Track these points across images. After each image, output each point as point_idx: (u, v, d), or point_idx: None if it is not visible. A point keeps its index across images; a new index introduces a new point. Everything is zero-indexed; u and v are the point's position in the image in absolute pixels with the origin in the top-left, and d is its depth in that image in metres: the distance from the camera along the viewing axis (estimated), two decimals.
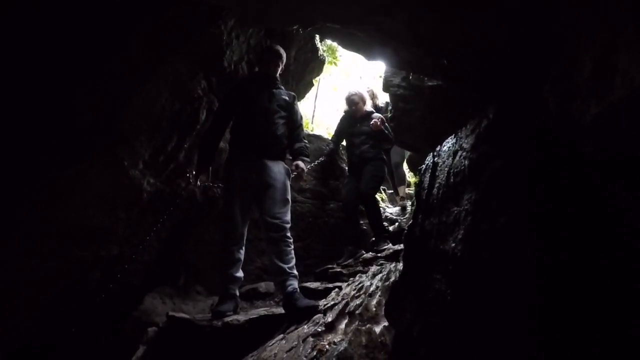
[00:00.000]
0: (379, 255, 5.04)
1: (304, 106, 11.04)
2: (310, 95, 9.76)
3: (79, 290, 4.38)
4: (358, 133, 6.10)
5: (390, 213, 7.60)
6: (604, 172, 1.34)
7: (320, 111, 14.89)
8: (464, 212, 1.77)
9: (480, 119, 1.96)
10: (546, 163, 1.54)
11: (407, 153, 7.99)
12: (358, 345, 2.47)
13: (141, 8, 3.66)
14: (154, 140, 4.34)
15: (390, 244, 5.39)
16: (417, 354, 1.78)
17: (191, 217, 5.66)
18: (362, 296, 3.10)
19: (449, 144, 2.21)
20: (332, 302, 3.45)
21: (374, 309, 2.80)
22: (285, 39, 5.89)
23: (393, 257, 4.47)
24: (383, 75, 5.97)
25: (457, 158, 2.01)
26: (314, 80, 8.38)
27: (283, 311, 3.86)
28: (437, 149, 2.31)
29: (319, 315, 3.29)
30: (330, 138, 7.45)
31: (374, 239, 5.79)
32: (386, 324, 2.51)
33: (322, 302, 3.66)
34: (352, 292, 3.37)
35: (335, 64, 10.05)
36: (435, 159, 2.27)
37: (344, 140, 6.61)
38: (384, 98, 7.51)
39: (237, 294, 4.24)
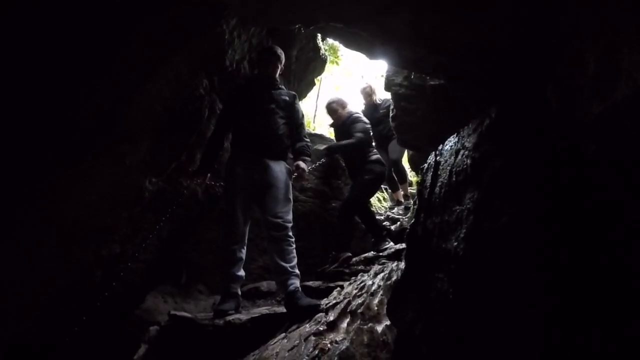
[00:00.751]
0: (381, 254, 5.04)
1: (306, 105, 11.05)
2: (312, 94, 9.77)
3: (80, 289, 4.38)
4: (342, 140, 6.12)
5: (392, 212, 7.59)
6: (606, 172, 1.34)
7: (322, 110, 14.90)
8: (466, 211, 1.77)
9: (482, 118, 1.96)
10: (548, 162, 1.54)
11: (405, 150, 7.97)
12: (360, 344, 2.47)
13: (141, 7, 3.66)
14: (156, 139, 4.35)
15: (392, 243, 5.38)
16: (419, 352, 1.78)
17: (193, 216, 5.66)
18: (364, 295, 3.10)
19: (451, 142, 2.21)
20: (334, 301, 3.45)
21: (376, 308, 2.80)
22: (287, 38, 5.90)
23: (395, 256, 4.48)
24: (385, 74, 5.94)
25: (460, 157, 2.00)
26: (315, 80, 8.39)
27: (285, 310, 3.86)
28: (439, 147, 2.31)
29: (321, 314, 3.29)
30: (332, 137, 7.46)
31: (373, 239, 5.74)
32: (388, 323, 2.51)
33: (323, 301, 3.66)
34: (354, 291, 3.37)
35: (336, 63, 10.02)
36: (437, 157, 2.27)
37: None
38: (383, 95, 7.54)
39: (239, 292, 4.24)
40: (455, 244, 1.75)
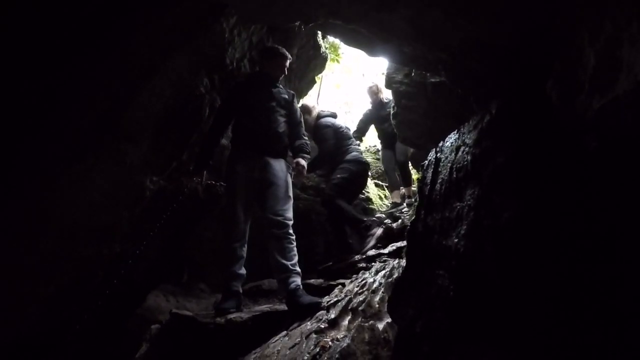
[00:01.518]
0: (382, 252, 5.02)
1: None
2: (312, 92, 9.76)
3: (81, 288, 4.38)
4: None
5: (393, 210, 7.58)
6: (608, 168, 1.33)
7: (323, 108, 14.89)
8: (467, 207, 1.77)
9: (483, 115, 1.96)
10: (550, 158, 1.54)
11: (410, 151, 7.92)
12: (361, 342, 2.47)
13: (142, 5, 3.66)
14: (157, 138, 4.34)
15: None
16: (420, 350, 1.78)
17: (194, 214, 5.66)
18: (365, 293, 3.10)
19: (451, 139, 2.21)
20: (335, 299, 3.45)
21: (377, 306, 2.80)
22: (288, 37, 5.89)
23: (396, 253, 4.46)
24: (385, 72, 5.94)
25: (460, 153, 2.00)
26: (316, 78, 8.38)
27: (286, 308, 3.86)
28: (440, 144, 2.31)
29: (322, 312, 3.29)
30: None
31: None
32: (389, 320, 2.51)
33: (325, 299, 3.66)
34: (355, 289, 3.37)
35: (337, 61, 10.04)
36: (438, 154, 2.27)
37: None
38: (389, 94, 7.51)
39: (241, 291, 4.24)
40: (456, 240, 1.75)
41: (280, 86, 4.75)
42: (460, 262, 1.70)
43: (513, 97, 1.87)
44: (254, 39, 5.23)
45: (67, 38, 3.40)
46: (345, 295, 3.36)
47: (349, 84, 18.61)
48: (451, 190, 1.96)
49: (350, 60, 15.63)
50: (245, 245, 4.27)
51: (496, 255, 1.55)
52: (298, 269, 4.00)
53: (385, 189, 8.84)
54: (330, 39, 8.36)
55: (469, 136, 2.01)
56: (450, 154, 2.11)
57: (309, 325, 3.12)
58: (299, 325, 3.27)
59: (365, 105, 8.43)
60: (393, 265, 3.35)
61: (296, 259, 4.05)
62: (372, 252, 5.13)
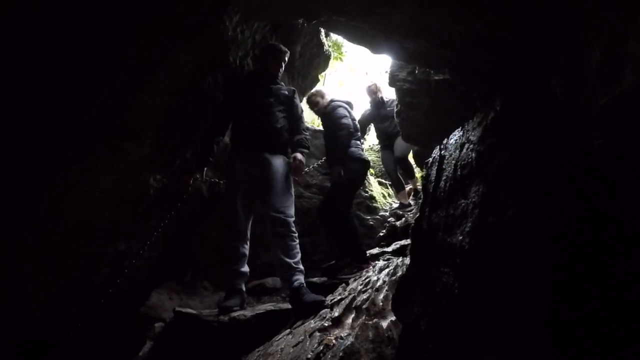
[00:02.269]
0: (386, 250, 5.01)
1: None
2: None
3: (85, 285, 4.39)
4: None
5: (397, 208, 7.56)
6: (613, 164, 1.32)
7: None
8: (472, 204, 1.76)
9: (487, 111, 1.95)
10: (555, 155, 1.53)
11: (411, 149, 7.86)
12: (365, 340, 2.46)
13: (145, 2, 3.65)
14: (160, 136, 4.34)
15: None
16: (425, 347, 1.77)
17: (198, 212, 5.67)
18: (369, 291, 3.10)
19: (455, 136, 2.20)
20: (338, 297, 3.45)
21: (381, 304, 2.80)
22: (290, 34, 5.88)
23: (400, 252, 4.46)
24: (389, 70, 5.92)
25: (464, 151, 1.99)
26: (319, 76, 8.37)
27: (290, 306, 3.86)
28: (444, 142, 2.30)
29: (326, 310, 3.29)
30: None
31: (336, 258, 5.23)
32: (393, 318, 2.51)
33: (328, 297, 3.66)
34: (359, 287, 3.36)
35: (340, 59, 10.04)
36: (442, 152, 2.26)
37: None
38: (388, 92, 7.49)
39: (244, 289, 4.25)
40: (461, 237, 1.74)
41: (282, 83, 4.75)
42: (465, 260, 1.69)
43: (517, 93, 1.86)
44: (257, 37, 5.22)
45: (69, 37, 3.39)
46: (349, 294, 3.36)
47: (352, 83, 18.58)
48: (456, 187, 1.96)
49: (353, 59, 15.61)
50: (248, 243, 4.27)
51: (501, 253, 1.55)
52: (301, 266, 4.00)
53: (389, 187, 8.81)
54: (334, 37, 8.35)
55: (473, 133, 2.00)
56: (455, 151, 2.10)
57: (312, 323, 3.12)
58: (302, 324, 3.27)
59: (365, 104, 8.34)
60: (397, 263, 3.35)
61: (299, 256, 4.05)
62: (375, 251, 5.13)
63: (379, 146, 8.51)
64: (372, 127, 8.72)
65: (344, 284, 3.93)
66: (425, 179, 2.39)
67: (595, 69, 1.42)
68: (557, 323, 1.28)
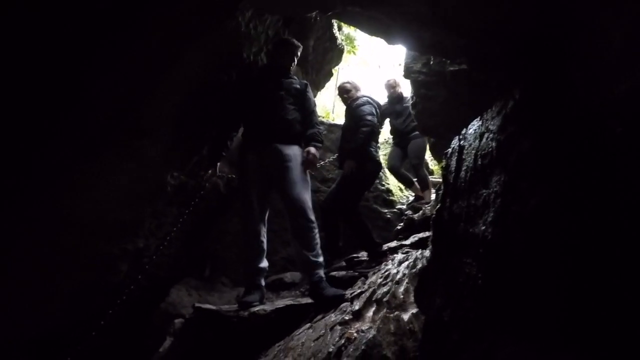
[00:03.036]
0: (404, 243, 4.98)
1: (324, 96, 10.98)
2: (330, 85, 9.72)
3: (105, 283, 4.43)
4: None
5: (414, 200, 7.51)
6: (634, 152, 1.30)
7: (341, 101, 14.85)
8: (493, 194, 1.74)
9: (506, 100, 1.94)
10: (576, 143, 1.51)
11: (425, 152, 7.68)
12: (387, 333, 2.46)
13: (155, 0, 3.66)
14: (176, 133, 4.35)
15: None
16: (448, 339, 1.76)
17: (215, 208, 5.69)
18: (389, 284, 3.09)
19: (474, 126, 2.19)
20: (358, 291, 3.44)
21: (402, 296, 2.78)
22: (303, 29, 5.87)
23: (419, 244, 4.43)
24: (403, 62, 5.88)
25: (484, 140, 1.98)
26: (333, 70, 8.35)
27: (310, 301, 3.85)
28: (463, 132, 2.29)
29: (346, 303, 3.28)
30: None
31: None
32: (414, 311, 2.49)
33: (348, 291, 3.65)
34: (379, 280, 3.35)
35: (354, 52, 9.99)
36: (461, 142, 2.24)
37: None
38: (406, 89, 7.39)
39: (263, 284, 4.23)
40: (483, 228, 1.73)
41: (294, 77, 4.71)
42: (488, 250, 1.67)
43: (536, 81, 1.84)
44: (270, 32, 5.21)
45: (81, 33, 3.40)
46: (369, 287, 3.35)
47: (366, 77, 18.53)
48: (476, 177, 1.94)
49: (366, 53, 15.55)
50: (265, 238, 4.24)
51: (525, 242, 1.53)
52: (321, 259, 3.98)
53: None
54: (346, 30, 8.32)
55: (492, 122, 1.98)
56: (474, 141, 2.09)
57: (333, 317, 3.11)
58: (322, 317, 3.26)
59: (382, 98, 8.23)
60: (416, 256, 3.33)
61: (319, 248, 4.01)
62: (393, 244, 5.11)
63: (392, 142, 8.37)
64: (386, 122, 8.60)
65: (363, 278, 3.92)
66: (445, 169, 2.38)
67: (616, 55, 1.40)
68: (587, 315, 1.26)
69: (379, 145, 6.02)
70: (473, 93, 4.00)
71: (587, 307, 1.26)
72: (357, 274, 4.36)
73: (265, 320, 3.68)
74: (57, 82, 3.41)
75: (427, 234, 4.27)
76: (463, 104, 4.49)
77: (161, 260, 4.92)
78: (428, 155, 8.55)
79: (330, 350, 2.53)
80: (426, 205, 6.27)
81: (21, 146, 3.39)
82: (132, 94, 3.84)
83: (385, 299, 2.84)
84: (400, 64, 6.45)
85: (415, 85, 5.47)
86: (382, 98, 7.80)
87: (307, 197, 4.15)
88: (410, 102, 6.04)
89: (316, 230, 4.08)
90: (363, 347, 2.33)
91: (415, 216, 5.83)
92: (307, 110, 4.61)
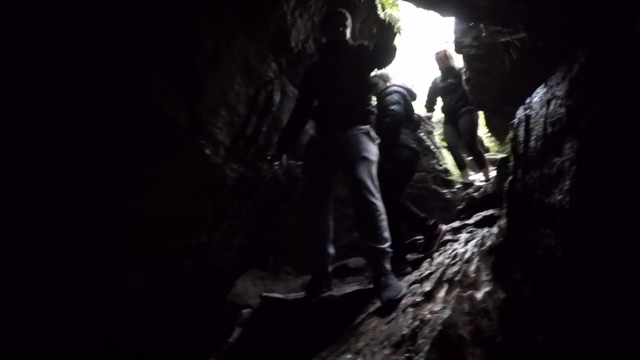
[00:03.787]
0: (467, 222, 4.87)
1: None
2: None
3: (171, 277, 4.52)
4: None
5: (475, 179, 7.35)
6: None
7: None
8: (568, 161, 1.69)
9: (570, 65, 1.87)
10: None
11: (477, 127, 7.39)
12: (461, 313, 2.41)
13: None
14: (233, 125, 4.39)
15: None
16: (529, 314, 1.72)
17: (276, 199, 5.72)
18: (459, 263, 3.04)
19: (539, 94, 2.12)
20: (427, 272, 3.39)
21: (473, 275, 2.73)
22: (348, 12, 5.83)
23: (483, 223, 4.34)
24: (453, 37, 5.75)
25: (552, 107, 1.92)
26: None
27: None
28: (527, 101, 2.22)
29: (416, 285, 3.24)
30: None
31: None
32: (487, 289, 2.44)
33: (415, 273, 3.62)
34: (447, 261, 3.30)
35: (399, 32, 9.86)
36: (527, 111, 2.18)
37: None
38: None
39: (330, 270, 4.18)
40: (560, 197, 1.67)
41: (350, 46, 4.31)
42: (566, 220, 1.62)
43: (602, 42, 1.76)
44: (315, 19, 5.19)
45: (132, 28, 3.45)
46: (437, 268, 3.30)
47: (412, 57, 18.29)
48: (548, 145, 1.88)
49: (411, 32, 15.37)
50: (330, 224, 4.18)
51: (605, 209, 1.47)
52: (385, 247, 3.79)
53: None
54: (389, 12, 8.20)
55: (559, 88, 1.92)
56: (541, 109, 2.02)
57: (403, 299, 3.08)
58: None
59: (431, 74, 7.97)
60: (483, 234, 3.27)
61: (385, 235, 3.83)
62: (457, 224, 5.02)
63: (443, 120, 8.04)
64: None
65: (429, 259, 3.86)
66: (513, 140, 2.32)
67: None
68: None
69: (422, 129, 5.80)
70: (527, 64, 3.89)
71: None
72: (422, 255, 4.30)
73: (333, 307, 3.67)
74: (114, 81, 3.50)
75: (491, 211, 4.18)
76: (518, 76, 4.38)
77: (225, 253, 4.99)
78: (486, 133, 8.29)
79: (405, 332, 2.51)
80: (487, 183, 6.13)
81: (86, 148, 3.50)
82: (187, 88, 3.88)
83: (456, 279, 2.80)
84: (446, 41, 6.32)
85: (467, 59, 5.38)
86: (436, 72, 7.56)
87: (373, 186, 3.85)
88: (464, 77, 5.92)
89: (382, 217, 3.78)
90: (439, 328, 2.29)
91: (477, 194, 5.72)
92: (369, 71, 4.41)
